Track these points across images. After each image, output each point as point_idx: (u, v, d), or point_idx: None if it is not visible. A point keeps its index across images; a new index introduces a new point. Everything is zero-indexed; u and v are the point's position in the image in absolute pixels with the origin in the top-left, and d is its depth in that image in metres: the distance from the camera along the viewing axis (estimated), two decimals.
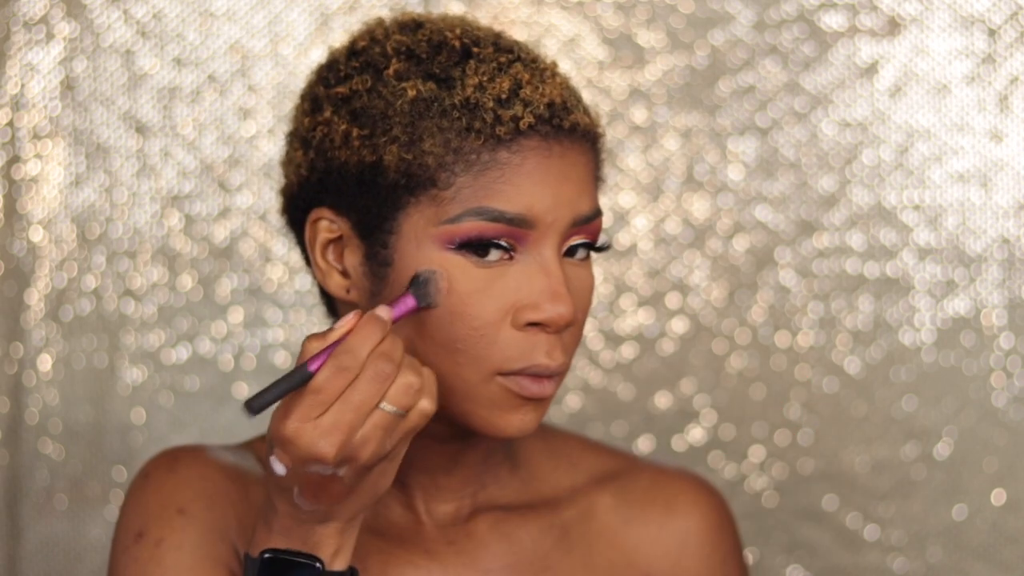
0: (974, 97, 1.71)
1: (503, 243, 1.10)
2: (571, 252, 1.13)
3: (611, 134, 1.73)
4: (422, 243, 1.10)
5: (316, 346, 1.02)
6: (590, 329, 1.73)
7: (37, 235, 1.72)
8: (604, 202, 1.71)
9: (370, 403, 1.01)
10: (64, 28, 1.72)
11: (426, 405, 1.03)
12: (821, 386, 1.73)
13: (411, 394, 1.02)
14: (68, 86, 1.72)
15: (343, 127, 1.12)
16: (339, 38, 1.71)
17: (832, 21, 1.72)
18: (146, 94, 1.72)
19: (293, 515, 1.04)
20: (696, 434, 1.74)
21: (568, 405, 1.74)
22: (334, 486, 1.03)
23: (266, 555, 1.04)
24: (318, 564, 1.04)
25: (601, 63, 1.73)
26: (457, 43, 1.13)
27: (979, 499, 1.71)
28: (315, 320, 1.73)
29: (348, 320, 1.03)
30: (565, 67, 1.71)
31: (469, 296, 1.09)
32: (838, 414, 1.72)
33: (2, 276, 1.72)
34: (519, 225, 1.09)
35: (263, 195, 1.72)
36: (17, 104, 1.72)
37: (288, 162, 1.18)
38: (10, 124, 1.72)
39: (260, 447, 1.22)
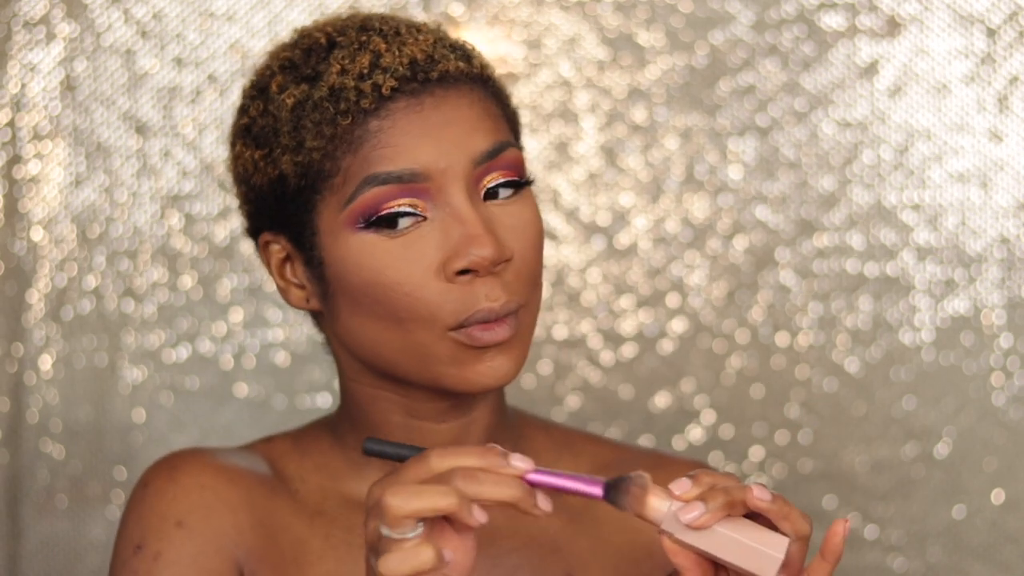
0: (974, 97, 1.71)
1: (406, 208, 1.11)
2: (495, 195, 1.14)
3: (611, 134, 1.73)
4: (337, 233, 1.13)
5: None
6: (590, 329, 1.73)
7: (37, 235, 1.72)
8: (604, 201, 1.72)
9: (420, 510, 0.98)
10: (64, 28, 1.72)
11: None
12: (821, 386, 1.73)
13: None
14: (68, 86, 1.72)
15: (248, 154, 1.17)
16: None
17: (832, 21, 1.72)
18: (146, 94, 1.72)
19: None
20: (696, 434, 1.74)
21: (568, 405, 1.74)
22: None
23: None
24: None
25: (601, 63, 1.73)
26: (324, 39, 1.16)
27: (979, 499, 1.71)
28: None
29: (489, 446, 1.01)
30: (565, 67, 1.72)
31: (391, 267, 1.11)
32: (838, 414, 1.72)
33: (2, 276, 1.72)
34: (411, 180, 1.11)
35: None
36: (17, 104, 1.72)
37: (239, 203, 1.23)
38: (10, 124, 1.72)
39: (264, 448, 1.24)
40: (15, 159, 1.72)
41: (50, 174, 1.72)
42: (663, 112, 1.73)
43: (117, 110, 1.72)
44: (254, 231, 1.21)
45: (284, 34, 1.72)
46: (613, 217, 1.73)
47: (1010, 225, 1.71)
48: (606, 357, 1.74)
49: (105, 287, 1.73)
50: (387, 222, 1.11)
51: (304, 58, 1.16)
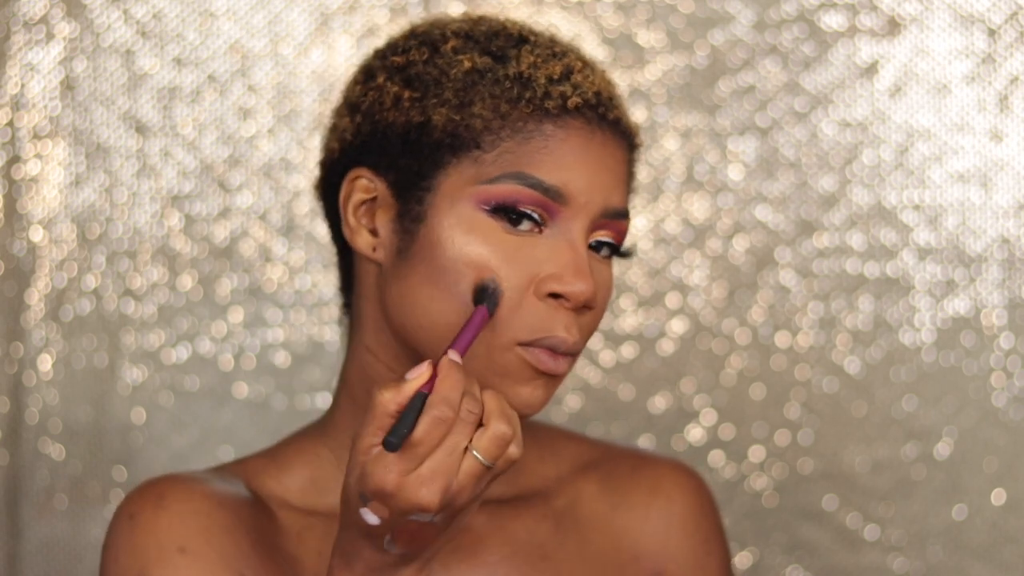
0: (974, 97, 1.71)
1: (535, 215, 1.12)
2: (596, 249, 1.16)
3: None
4: (456, 202, 1.13)
5: (390, 397, 1.03)
6: None
7: (37, 235, 1.72)
8: None
9: (463, 445, 1.02)
10: (64, 28, 1.72)
11: (514, 452, 1.04)
12: (821, 386, 1.73)
13: (503, 445, 1.03)
14: (68, 86, 1.72)
15: (395, 90, 1.16)
16: (339, 38, 1.71)
17: (832, 21, 1.72)
18: (146, 94, 1.72)
19: (379, 559, 1.05)
20: (696, 434, 1.74)
21: (568, 405, 1.74)
22: (428, 531, 1.04)
23: None
24: None
25: (601, 63, 1.73)
26: (515, 31, 1.18)
27: (979, 499, 1.71)
28: (315, 320, 1.73)
29: (422, 370, 1.04)
30: None
31: (498, 257, 1.11)
32: (838, 414, 1.72)
33: (2, 276, 1.72)
34: (553, 198, 1.12)
35: (263, 195, 1.72)
36: (17, 104, 1.72)
37: (332, 131, 1.21)
38: (10, 124, 1.72)
39: (238, 469, 1.22)
40: (15, 159, 1.72)
41: (50, 174, 1.72)
42: (663, 112, 1.73)
43: (117, 110, 1.72)
44: (344, 164, 1.19)
45: (284, 34, 1.72)
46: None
47: (1010, 225, 1.70)
48: (606, 357, 1.74)
49: (105, 287, 1.73)
50: (512, 217, 1.12)
51: (489, 37, 1.17)
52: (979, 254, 1.71)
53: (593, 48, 1.73)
